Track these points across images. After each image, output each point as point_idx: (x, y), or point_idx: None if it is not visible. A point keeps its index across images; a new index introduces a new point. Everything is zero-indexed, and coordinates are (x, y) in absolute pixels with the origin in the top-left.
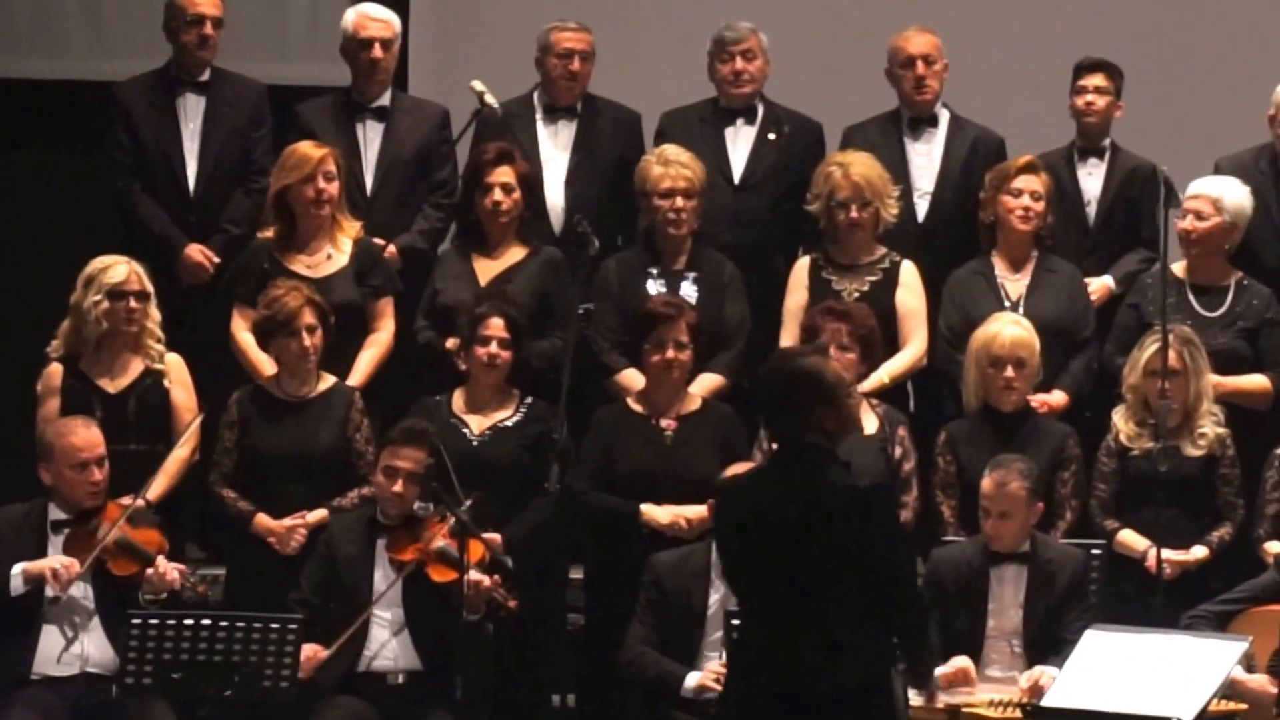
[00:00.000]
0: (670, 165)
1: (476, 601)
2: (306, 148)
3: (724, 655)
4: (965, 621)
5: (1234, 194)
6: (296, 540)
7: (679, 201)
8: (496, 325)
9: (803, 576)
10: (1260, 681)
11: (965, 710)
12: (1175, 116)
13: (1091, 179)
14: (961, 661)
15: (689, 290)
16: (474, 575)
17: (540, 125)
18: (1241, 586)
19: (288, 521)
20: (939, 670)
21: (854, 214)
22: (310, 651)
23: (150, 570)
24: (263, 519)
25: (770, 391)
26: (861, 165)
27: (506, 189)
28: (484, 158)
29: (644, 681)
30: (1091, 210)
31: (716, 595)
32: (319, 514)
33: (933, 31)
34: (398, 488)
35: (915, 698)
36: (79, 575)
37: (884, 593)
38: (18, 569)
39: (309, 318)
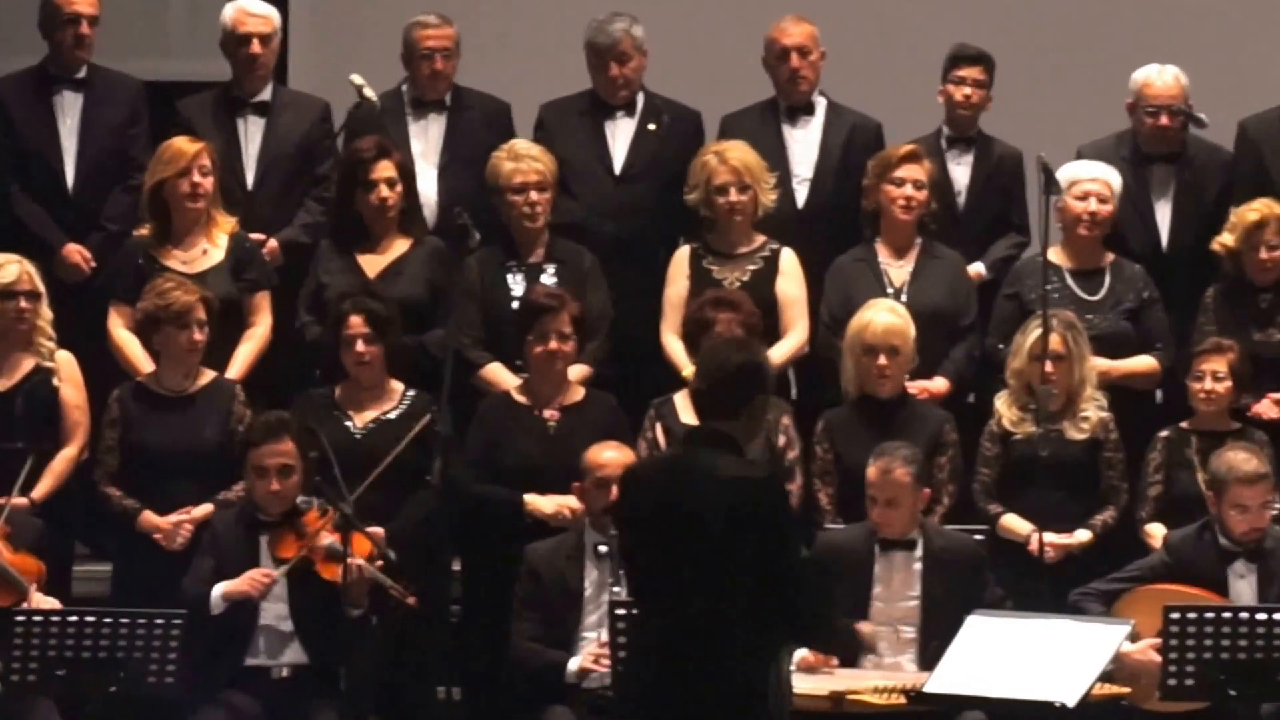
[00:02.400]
0: (521, 160)
1: (360, 595)
2: (182, 143)
3: (602, 635)
4: (849, 608)
5: (1117, 177)
6: (183, 536)
7: (533, 195)
8: (357, 322)
9: (687, 562)
10: (1143, 648)
11: (850, 697)
12: (1037, 103)
13: (960, 168)
14: None
15: (549, 282)
16: (358, 563)
17: (410, 119)
18: (1131, 566)
19: (174, 517)
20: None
21: (733, 197)
22: (260, 575)
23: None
24: (148, 516)
25: (722, 370)
26: (738, 150)
27: (390, 183)
28: (364, 154)
29: (531, 675)
30: (961, 199)
31: (591, 578)
32: (205, 509)
33: (809, 21)
34: (273, 486)
35: (804, 680)
36: None
37: (778, 585)
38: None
39: (200, 314)
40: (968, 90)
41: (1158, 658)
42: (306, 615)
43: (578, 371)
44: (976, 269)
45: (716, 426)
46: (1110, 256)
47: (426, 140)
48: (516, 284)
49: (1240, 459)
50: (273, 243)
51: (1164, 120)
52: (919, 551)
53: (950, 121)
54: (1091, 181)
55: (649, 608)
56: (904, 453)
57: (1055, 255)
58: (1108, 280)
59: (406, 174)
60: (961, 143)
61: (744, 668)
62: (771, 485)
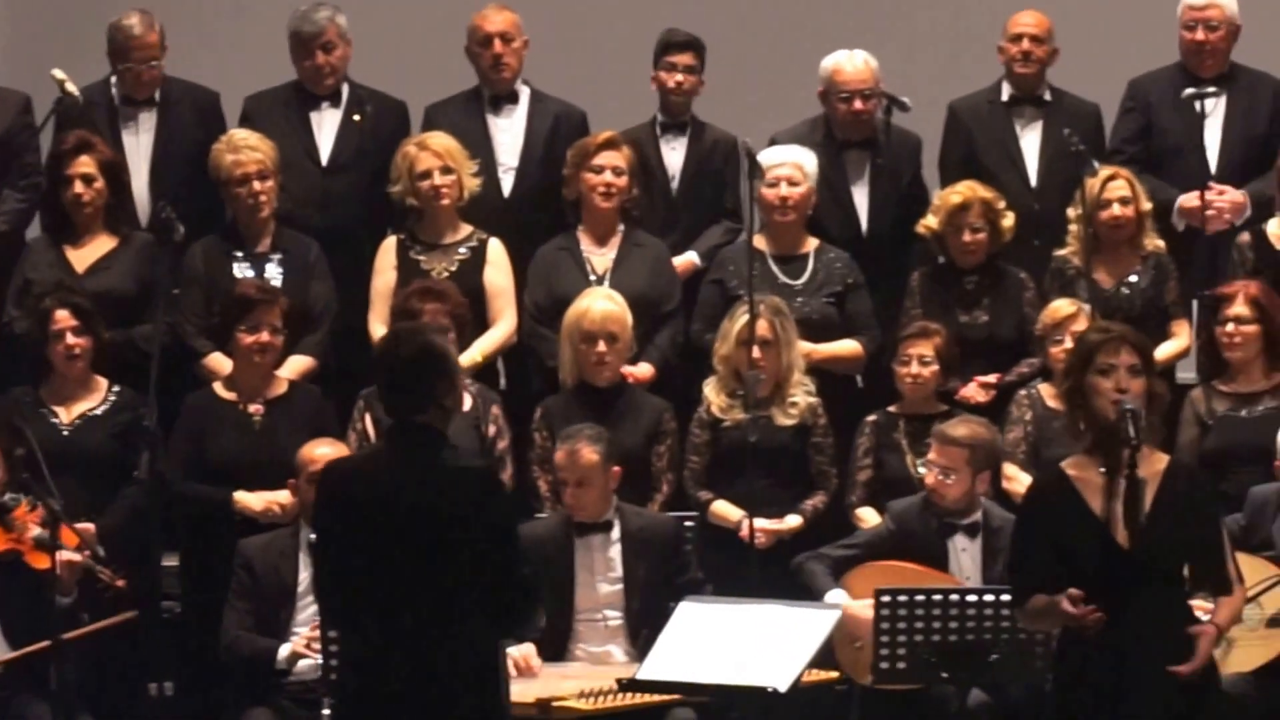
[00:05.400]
0: (240, 150)
1: (70, 584)
2: None
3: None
4: (553, 598)
5: (811, 159)
6: None
7: (255, 185)
8: (64, 316)
9: (414, 560)
10: (866, 605)
11: (555, 705)
12: (747, 89)
13: (675, 153)
14: (525, 649)
15: (274, 272)
16: (67, 555)
17: (120, 114)
18: (858, 535)
19: None
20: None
21: (437, 181)
22: None
23: None
24: None
25: (393, 367)
26: (439, 138)
27: (87, 179)
28: (63, 148)
29: (241, 663)
30: (675, 185)
31: (306, 573)
32: None
33: (511, 9)
34: None
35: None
36: None
37: (493, 574)
38: None
39: None
40: (680, 76)
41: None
42: (13, 608)
43: (299, 364)
44: (690, 258)
45: (416, 421)
46: (815, 242)
47: (137, 134)
48: (243, 273)
49: (953, 423)
50: None
51: (857, 105)
52: (616, 533)
53: (663, 108)
54: (780, 166)
55: (365, 610)
56: (589, 433)
57: (758, 241)
58: (810, 265)
59: (114, 169)
60: (675, 129)
61: (473, 661)
62: (490, 476)
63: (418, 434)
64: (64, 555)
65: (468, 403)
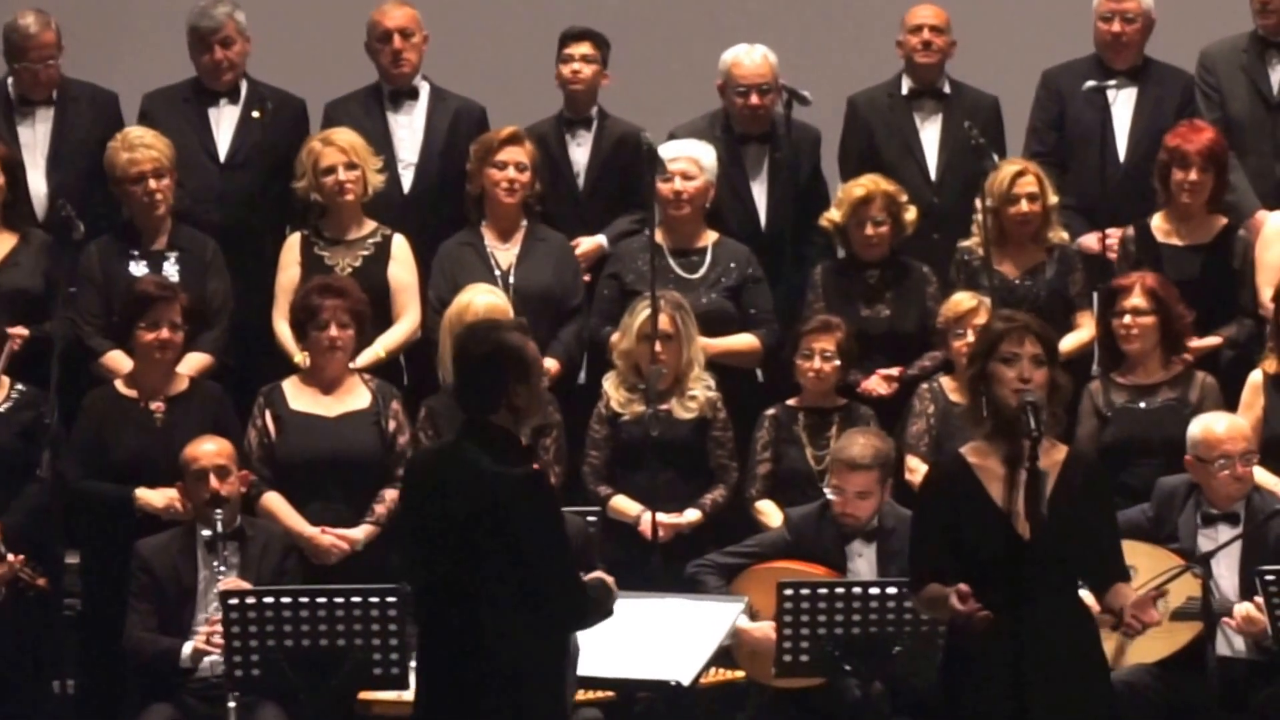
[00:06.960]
0: (136, 149)
1: (2, 582)
2: None
3: (213, 615)
4: None
5: (709, 153)
6: None
7: (151, 183)
8: None
9: (472, 558)
10: (764, 629)
11: None
12: (644, 85)
13: (580, 148)
14: None
15: (171, 270)
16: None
17: (16, 113)
18: (751, 540)
19: None
20: None
21: (341, 176)
22: None
23: None
24: None
25: (469, 363)
26: (343, 134)
27: None
28: None
29: (146, 665)
30: (581, 180)
31: (205, 572)
32: None
33: (410, 4)
34: None
35: None
36: None
37: (541, 578)
38: None
39: None
40: (576, 66)
41: (775, 636)
42: None
43: (197, 361)
44: (598, 240)
45: (486, 420)
46: (713, 236)
47: (34, 132)
48: (139, 271)
49: (848, 442)
50: None
51: (754, 100)
52: None
53: (567, 103)
54: (676, 160)
55: (435, 602)
56: None
57: (657, 235)
58: (708, 259)
59: (11, 166)
60: (580, 124)
61: (515, 656)
62: (528, 482)
63: (482, 432)
64: None
65: (366, 399)
